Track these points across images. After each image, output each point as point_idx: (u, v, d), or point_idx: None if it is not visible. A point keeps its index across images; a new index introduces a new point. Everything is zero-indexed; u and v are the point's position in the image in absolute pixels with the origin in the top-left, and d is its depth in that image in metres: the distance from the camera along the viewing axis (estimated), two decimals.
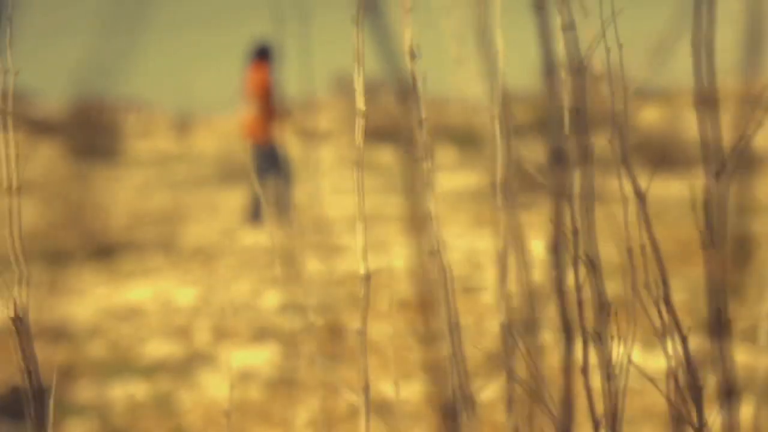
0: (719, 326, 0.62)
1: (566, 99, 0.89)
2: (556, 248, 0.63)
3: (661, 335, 0.81)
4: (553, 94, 0.64)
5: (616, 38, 0.85)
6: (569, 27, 0.81)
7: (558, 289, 0.60)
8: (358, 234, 0.84)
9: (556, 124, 0.68)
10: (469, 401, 0.85)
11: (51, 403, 0.90)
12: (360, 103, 0.83)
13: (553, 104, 0.66)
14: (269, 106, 9.22)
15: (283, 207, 9.17)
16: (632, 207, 0.87)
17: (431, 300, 0.72)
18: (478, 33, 0.87)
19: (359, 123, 0.83)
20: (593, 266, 0.82)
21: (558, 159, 0.72)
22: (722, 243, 0.63)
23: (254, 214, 9.24)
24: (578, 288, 0.88)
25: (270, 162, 9.16)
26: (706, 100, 0.64)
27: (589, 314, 0.84)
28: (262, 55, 9.28)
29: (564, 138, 0.76)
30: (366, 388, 0.81)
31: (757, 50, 0.58)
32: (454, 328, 0.85)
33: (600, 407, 0.85)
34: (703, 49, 0.61)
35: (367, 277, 0.85)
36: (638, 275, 0.82)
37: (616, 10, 0.83)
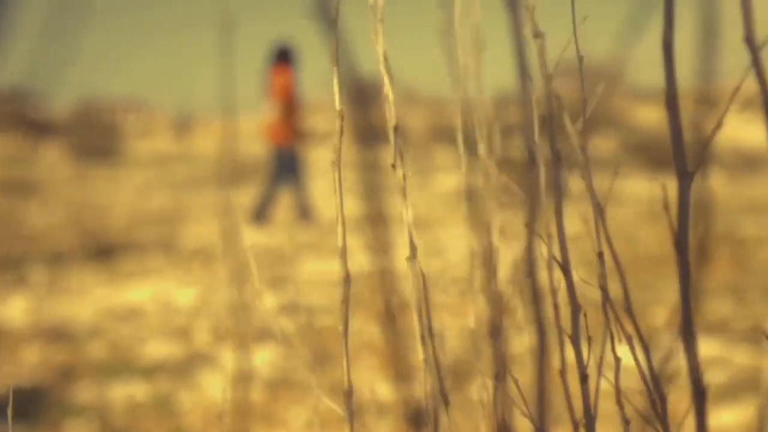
0: (687, 327, 0.63)
1: (536, 104, 0.89)
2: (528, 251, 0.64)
3: (629, 342, 0.82)
4: (526, 97, 0.64)
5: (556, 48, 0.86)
6: (537, 35, 0.82)
7: (532, 289, 0.61)
8: (339, 236, 0.85)
9: (530, 128, 0.69)
10: (443, 404, 0.86)
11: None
12: (337, 104, 0.84)
13: (527, 108, 0.67)
14: (291, 109, 9.27)
15: (304, 210, 9.25)
16: (624, 211, 0.88)
17: (398, 305, 0.72)
18: (444, 33, 0.88)
19: (337, 123, 0.84)
20: (565, 270, 0.83)
21: (531, 163, 0.73)
22: (689, 243, 0.64)
23: (258, 214, 9.26)
24: (553, 291, 0.89)
25: (288, 165, 9.24)
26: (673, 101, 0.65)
27: (566, 316, 0.85)
28: (283, 57, 9.32)
29: (533, 142, 0.77)
30: (349, 393, 0.81)
31: (711, 53, 0.59)
32: (429, 333, 0.86)
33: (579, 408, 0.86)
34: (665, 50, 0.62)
35: (347, 280, 0.85)
36: (629, 279, 0.83)
37: (584, 15, 0.84)
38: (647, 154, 13.20)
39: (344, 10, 0.75)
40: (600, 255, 0.84)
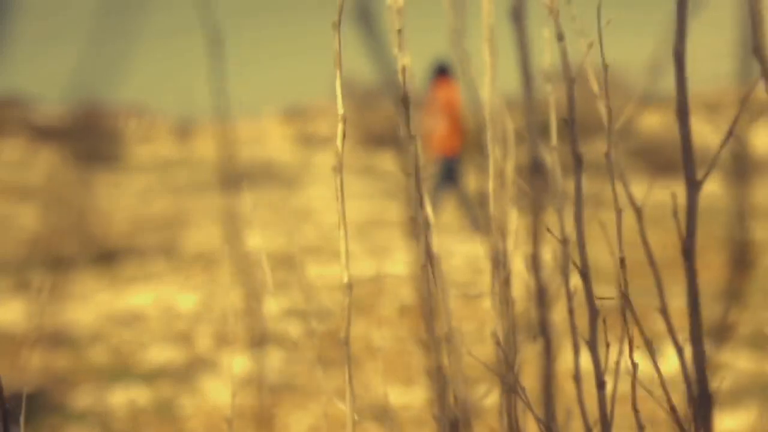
0: (696, 334, 0.63)
1: (552, 108, 0.89)
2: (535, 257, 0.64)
3: (655, 344, 0.81)
4: (531, 105, 0.64)
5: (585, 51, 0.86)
6: (559, 38, 0.82)
7: (539, 296, 0.60)
8: (341, 240, 0.84)
9: (534, 135, 0.68)
10: (471, 409, 0.85)
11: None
12: (340, 108, 0.84)
13: (531, 115, 0.67)
14: (457, 121, 9.55)
15: (474, 216, 9.36)
16: (627, 215, 0.87)
17: (432, 307, 0.72)
18: (453, 40, 0.88)
19: (340, 128, 0.84)
20: (584, 275, 0.83)
21: (536, 169, 0.72)
22: (696, 250, 0.64)
23: (474, 222, 9.36)
24: (569, 296, 0.88)
25: (454, 174, 9.51)
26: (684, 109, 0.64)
27: (581, 322, 0.84)
28: (445, 72, 9.59)
29: (540, 148, 0.77)
30: (352, 397, 0.81)
31: (749, 56, 0.59)
32: (452, 336, 0.85)
33: (594, 414, 0.85)
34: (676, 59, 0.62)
35: (350, 286, 0.85)
36: (633, 284, 0.83)
37: (607, 20, 0.84)
38: (648, 159, 13.20)
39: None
40: (621, 261, 0.84)
